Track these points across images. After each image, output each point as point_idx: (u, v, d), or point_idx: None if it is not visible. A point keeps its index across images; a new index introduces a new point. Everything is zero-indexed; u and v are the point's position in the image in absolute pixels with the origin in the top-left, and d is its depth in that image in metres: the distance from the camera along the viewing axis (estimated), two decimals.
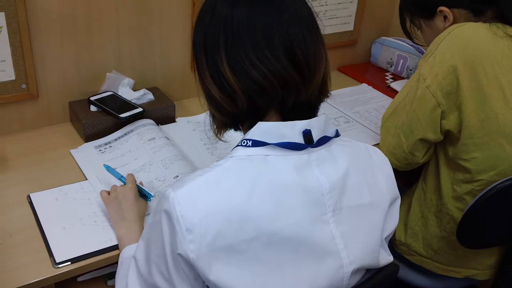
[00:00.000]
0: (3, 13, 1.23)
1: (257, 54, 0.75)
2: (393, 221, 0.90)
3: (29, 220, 1.08)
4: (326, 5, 1.84)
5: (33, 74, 1.34)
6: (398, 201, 0.91)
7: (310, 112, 0.82)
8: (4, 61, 1.29)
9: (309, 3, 0.82)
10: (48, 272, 0.96)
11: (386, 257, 0.88)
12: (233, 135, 0.94)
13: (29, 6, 1.26)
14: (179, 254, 0.72)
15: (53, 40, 1.35)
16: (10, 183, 1.19)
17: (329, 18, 1.88)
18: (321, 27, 0.82)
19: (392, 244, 1.42)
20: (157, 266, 0.76)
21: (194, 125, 1.51)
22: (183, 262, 0.72)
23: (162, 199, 0.75)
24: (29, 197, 1.14)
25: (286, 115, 0.80)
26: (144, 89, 1.50)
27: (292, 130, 0.77)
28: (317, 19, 0.81)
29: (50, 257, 0.99)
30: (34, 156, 1.30)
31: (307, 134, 0.77)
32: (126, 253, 0.96)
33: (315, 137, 0.78)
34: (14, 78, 1.32)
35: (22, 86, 1.34)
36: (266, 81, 0.75)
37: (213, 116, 0.86)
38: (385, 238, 0.89)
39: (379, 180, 0.86)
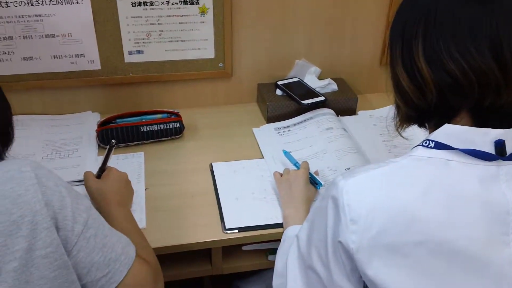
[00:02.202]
0: None
1: (458, 47, 0.69)
2: None
3: (208, 186, 1.18)
4: None
5: (230, 54, 1.45)
6: None
7: (508, 119, 0.73)
8: (207, 40, 1.42)
9: None
10: (218, 235, 1.04)
11: None
12: (415, 134, 0.89)
13: None
14: (339, 242, 0.71)
15: (250, 25, 1.43)
16: (198, 151, 1.32)
17: None
18: None
19: None
20: (317, 249, 0.77)
21: (376, 119, 1.47)
22: (343, 251, 0.71)
23: (331, 186, 0.74)
24: (211, 166, 1.25)
25: (479, 120, 0.72)
26: (329, 78, 1.51)
27: (484, 137, 0.70)
28: None
29: (221, 222, 1.07)
30: (220, 130, 1.42)
31: (499, 145, 0.69)
32: (289, 232, 0.98)
33: (509, 149, 0.70)
34: (213, 57, 1.44)
35: (219, 64, 1.46)
36: (463, 76, 0.69)
37: (398, 107, 0.82)
38: None
39: None
